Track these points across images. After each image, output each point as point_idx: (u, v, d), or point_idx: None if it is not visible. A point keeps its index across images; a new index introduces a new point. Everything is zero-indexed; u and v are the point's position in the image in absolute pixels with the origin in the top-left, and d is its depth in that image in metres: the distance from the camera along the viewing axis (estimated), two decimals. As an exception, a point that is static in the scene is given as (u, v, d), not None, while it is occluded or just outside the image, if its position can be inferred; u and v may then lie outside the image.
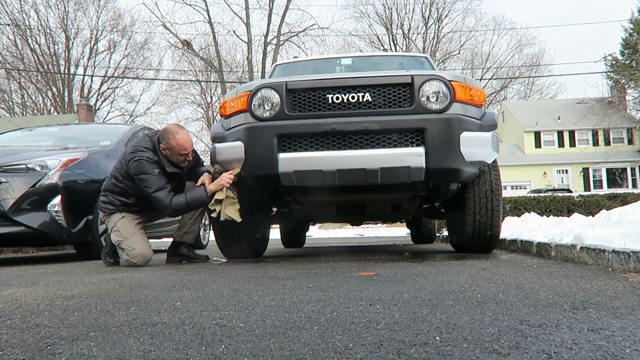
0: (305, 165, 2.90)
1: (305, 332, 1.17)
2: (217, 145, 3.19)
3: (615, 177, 29.97)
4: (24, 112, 33.18)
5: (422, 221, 6.85)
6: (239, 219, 3.26)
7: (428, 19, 34.68)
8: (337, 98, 2.97)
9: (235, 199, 3.26)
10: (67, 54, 33.41)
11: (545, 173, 29.85)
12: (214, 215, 3.29)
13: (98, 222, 4.09)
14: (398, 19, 34.83)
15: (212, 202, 3.27)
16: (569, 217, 4.87)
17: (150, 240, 7.85)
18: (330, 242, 8.56)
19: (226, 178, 3.18)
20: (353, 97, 2.96)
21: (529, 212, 6.54)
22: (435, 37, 34.61)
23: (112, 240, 3.42)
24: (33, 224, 3.71)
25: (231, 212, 3.24)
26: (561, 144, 31.11)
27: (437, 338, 1.09)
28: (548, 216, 6.81)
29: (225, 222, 3.53)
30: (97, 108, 33.18)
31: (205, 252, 5.72)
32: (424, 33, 34.92)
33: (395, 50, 32.50)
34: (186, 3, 28.38)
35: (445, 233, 6.69)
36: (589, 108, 30.23)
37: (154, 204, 3.26)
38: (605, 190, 26.39)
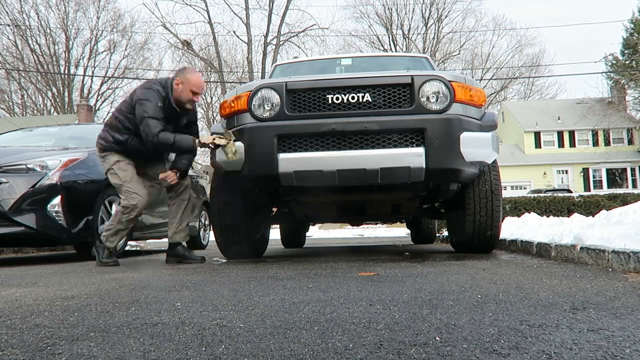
0: (305, 166, 2.90)
1: (305, 332, 1.17)
2: (217, 145, 3.18)
3: (615, 177, 29.96)
4: (24, 113, 33.19)
5: (422, 221, 6.85)
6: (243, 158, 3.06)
7: (428, 19, 34.69)
8: (337, 98, 2.97)
9: (235, 142, 3.09)
10: (67, 55, 33.42)
11: (545, 173, 29.85)
12: (228, 157, 3.09)
13: (98, 222, 4.09)
14: (398, 19, 34.84)
15: (215, 148, 3.18)
16: (569, 217, 4.87)
17: (150, 241, 7.86)
18: (330, 242, 8.56)
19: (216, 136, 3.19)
20: (353, 98, 2.96)
21: (529, 213, 6.54)
22: (435, 37, 34.60)
23: (111, 182, 3.48)
24: (33, 224, 3.71)
25: (236, 152, 3.08)
26: (561, 144, 31.11)
27: (437, 338, 1.09)
28: (548, 216, 6.81)
29: (225, 222, 3.54)
30: (97, 108, 33.19)
31: (205, 252, 5.72)
32: (424, 33, 34.93)
33: (395, 51, 32.50)
34: (186, 3, 28.35)
35: (445, 233, 6.69)
36: (589, 108, 30.21)
37: (142, 129, 3.28)
38: (605, 190, 26.37)
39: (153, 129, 3.25)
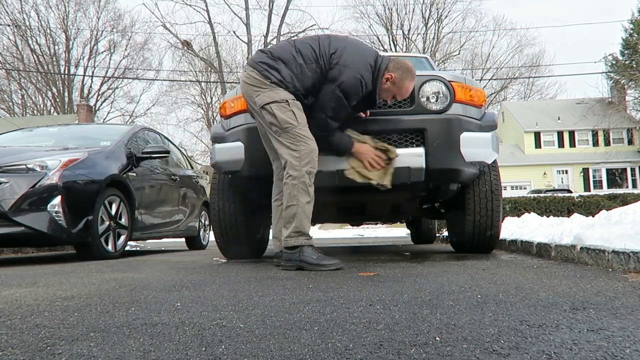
0: (306, 166, 2.89)
1: (305, 332, 1.17)
2: (217, 145, 3.19)
3: (615, 177, 29.97)
4: (24, 113, 33.19)
5: (422, 221, 6.85)
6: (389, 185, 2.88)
7: (428, 19, 34.69)
8: (337, 98, 2.96)
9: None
10: (67, 55, 33.43)
11: (545, 173, 29.86)
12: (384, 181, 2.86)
13: (98, 222, 4.09)
14: (398, 20, 34.85)
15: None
16: (568, 217, 4.87)
17: (150, 241, 7.86)
18: (330, 243, 8.56)
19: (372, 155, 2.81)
20: (353, 98, 2.95)
21: (529, 213, 6.54)
22: (435, 37, 34.61)
23: (278, 116, 2.59)
24: (33, 224, 3.70)
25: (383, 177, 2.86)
26: (561, 144, 31.11)
27: (437, 338, 1.09)
28: (548, 216, 6.81)
29: (225, 222, 3.53)
30: (97, 108, 33.19)
31: (205, 252, 5.73)
32: (424, 33, 34.93)
33: (395, 51, 32.50)
34: (186, 3, 28.36)
35: (445, 233, 6.69)
36: (589, 108, 30.22)
37: (318, 116, 2.68)
38: (605, 190, 26.38)
39: (331, 125, 2.70)
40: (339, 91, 2.61)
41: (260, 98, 2.65)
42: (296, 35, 28.53)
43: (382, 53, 2.80)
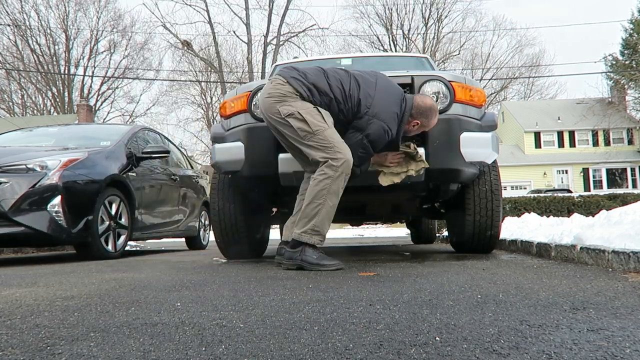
0: (306, 166, 2.90)
1: (305, 332, 1.17)
2: (217, 145, 3.19)
3: (615, 177, 29.97)
4: (24, 113, 33.20)
5: (422, 221, 6.85)
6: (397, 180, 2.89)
7: (428, 19, 34.70)
8: (337, 98, 2.96)
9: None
10: (67, 55, 33.43)
11: (545, 173, 29.86)
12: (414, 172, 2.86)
13: (98, 222, 4.09)
14: (398, 20, 34.86)
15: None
16: (568, 217, 4.87)
17: (150, 241, 7.86)
18: (330, 243, 8.56)
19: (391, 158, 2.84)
20: (353, 98, 2.95)
21: (529, 213, 6.54)
22: (435, 37, 34.61)
23: (308, 120, 2.55)
24: (33, 224, 3.70)
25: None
26: (561, 144, 31.12)
27: (437, 338, 1.09)
28: (548, 216, 6.81)
29: (225, 222, 3.53)
30: (97, 108, 33.21)
31: (205, 252, 5.73)
32: (424, 33, 34.94)
33: (395, 51, 32.50)
34: (186, 3, 28.37)
35: (445, 233, 6.69)
36: (589, 108, 30.23)
37: (353, 148, 2.60)
38: (605, 190, 26.38)
39: (355, 171, 2.66)
40: (366, 141, 2.62)
41: (286, 108, 2.59)
42: (296, 35, 28.55)
43: (406, 95, 2.74)
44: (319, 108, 2.61)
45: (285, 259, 2.69)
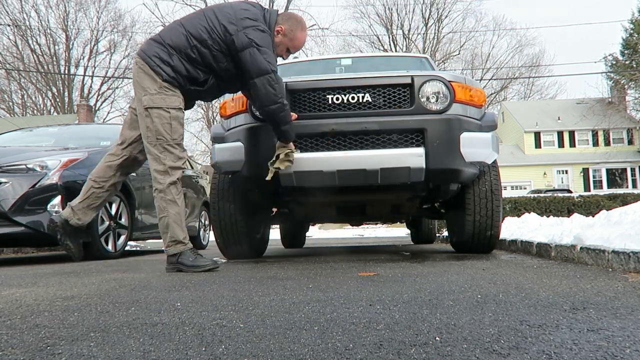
0: (305, 166, 2.90)
1: (305, 332, 1.17)
2: (217, 145, 3.19)
3: (615, 177, 29.97)
4: (24, 113, 33.21)
5: (422, 221, 6.85)
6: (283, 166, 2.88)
7: (428, 19, 34.71)
8: (337, 99, 2.97)
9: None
10: (67, 55, 33.45)
11: (545, 173, 29.86)
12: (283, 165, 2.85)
13: (98, 222, 4.08)
14: (398, 20, 34.87)
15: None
16: (568, 217, 4.87)
17: (150, 241, 7.85)
18: (330, 243, 8.56)
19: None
20: (353, 98, 2.96)
21: (529, 213, 6.54)
22: (435, 37, 34.62)
23: (156, 126, 2.59)
24: (33, 224, 3.71)
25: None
26: (561, 144, 31.12)
27: (437, 338, 1.09)
28: (548, 216, 6.81)
29: (225, 222, 3.54)
30: (97, 108, 33.21)
31: (205, 252, 5.73)
32: (424, 33, 34.96)
33: (396, 51, 32.50)
34: (186, 3, 28.38)
35: (445, 233, 6.69)
36: (589, 108, 30.23)
37: (264, 88, 2.56)
38: (605, 190, 26.38)
39: (280, 92, 2.59)
40: (254, 44, 2.57)
41: (146, 100, 2.64)
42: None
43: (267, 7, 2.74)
44: (171, 112, 2.65)
45: (167, 264, 2.81)
